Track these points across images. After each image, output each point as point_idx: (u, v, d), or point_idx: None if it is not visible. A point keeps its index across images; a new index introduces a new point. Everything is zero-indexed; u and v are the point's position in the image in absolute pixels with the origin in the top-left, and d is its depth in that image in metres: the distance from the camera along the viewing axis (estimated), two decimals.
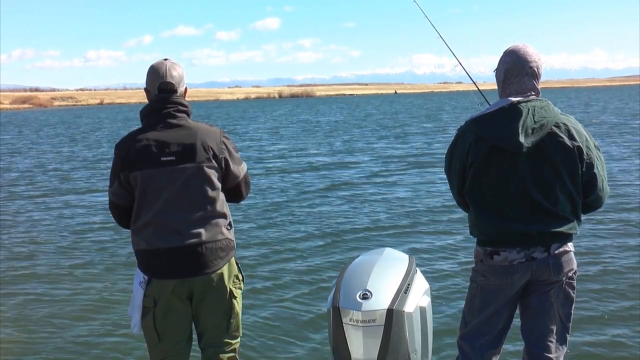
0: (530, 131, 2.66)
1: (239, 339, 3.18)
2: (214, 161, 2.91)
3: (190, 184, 2.87)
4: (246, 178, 3.13)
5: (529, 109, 2.68)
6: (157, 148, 2.85)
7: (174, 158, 2.84)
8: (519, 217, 2.72)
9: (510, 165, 2.70)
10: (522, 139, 2.65)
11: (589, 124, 24.98)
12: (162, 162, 2.84)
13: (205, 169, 2.89)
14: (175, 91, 2.94)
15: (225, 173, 2.99)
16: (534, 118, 2.67)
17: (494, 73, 2.89)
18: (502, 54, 2.86)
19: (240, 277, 3.14)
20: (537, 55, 2.79)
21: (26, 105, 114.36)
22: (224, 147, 2.97)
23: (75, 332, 5.18)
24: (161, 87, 2.92)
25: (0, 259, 7.58)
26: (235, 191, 3.09)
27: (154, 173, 2.85)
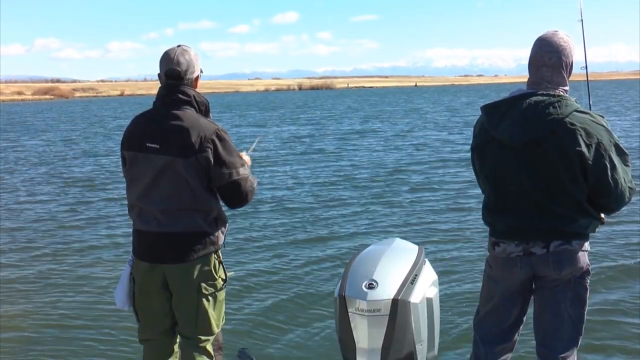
0: (528, 126, 2.56)
1: (213, 336, 3.09)
2: (193, 157, 2.82)
3: (167, 175, 2.86)
4: (235, 184, 2.92)
5: (533, 102, 2.58)
6: (146, 133, 2.90)
7: (157, 146, 2.86)
8: (516, 211, 2.68)
9: (508, 159, 2.65)
10: (516, 132, 2.58)
11: None
12: (146, 147, 2.89)
13: (182, 162, 2.82)
14: (182, 78, 2.92)
15: (209, 172, 2.88)
16: (536, 112, 2.56)
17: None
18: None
19: (220, 276, 3.02)
20: (561, 44, 2.64)
21: (48, 96, 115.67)
22: (210, 144, 2.83)
23: (83, 320, 5.24)
24: (167, 74, 2.92)
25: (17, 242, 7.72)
26: (222, 193, 2.96)
27: (137, 156, 2.92)
